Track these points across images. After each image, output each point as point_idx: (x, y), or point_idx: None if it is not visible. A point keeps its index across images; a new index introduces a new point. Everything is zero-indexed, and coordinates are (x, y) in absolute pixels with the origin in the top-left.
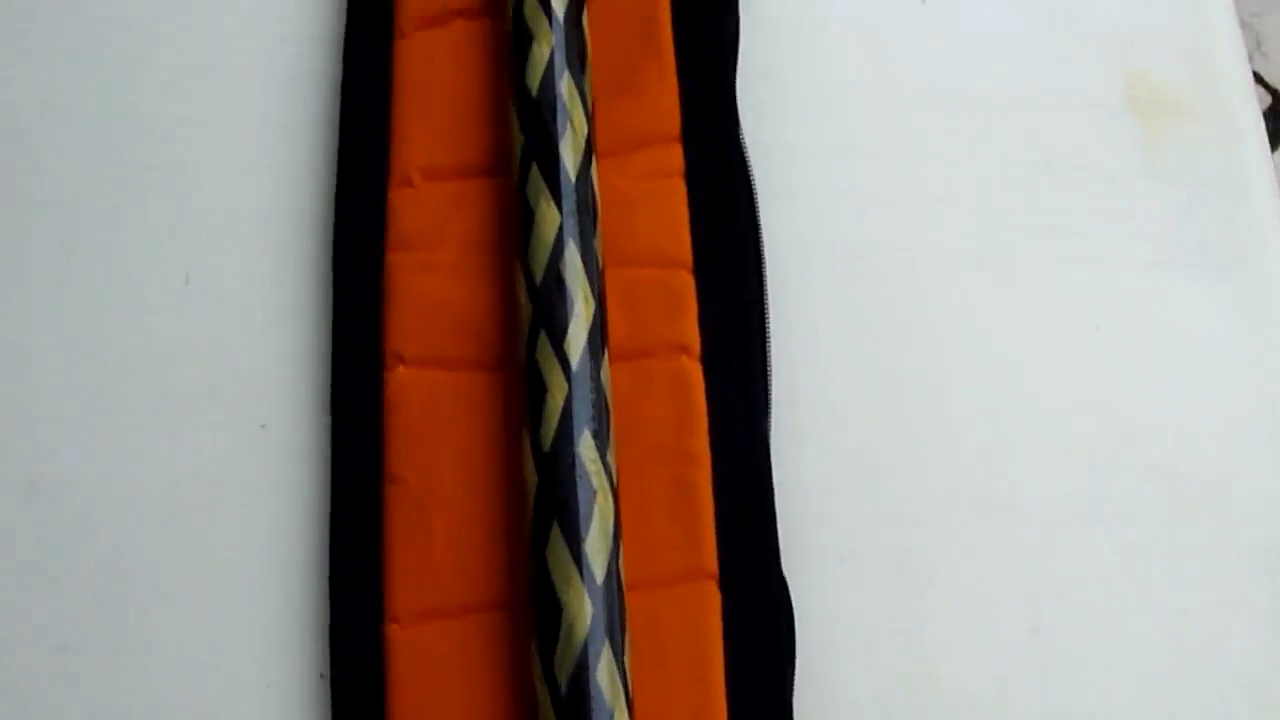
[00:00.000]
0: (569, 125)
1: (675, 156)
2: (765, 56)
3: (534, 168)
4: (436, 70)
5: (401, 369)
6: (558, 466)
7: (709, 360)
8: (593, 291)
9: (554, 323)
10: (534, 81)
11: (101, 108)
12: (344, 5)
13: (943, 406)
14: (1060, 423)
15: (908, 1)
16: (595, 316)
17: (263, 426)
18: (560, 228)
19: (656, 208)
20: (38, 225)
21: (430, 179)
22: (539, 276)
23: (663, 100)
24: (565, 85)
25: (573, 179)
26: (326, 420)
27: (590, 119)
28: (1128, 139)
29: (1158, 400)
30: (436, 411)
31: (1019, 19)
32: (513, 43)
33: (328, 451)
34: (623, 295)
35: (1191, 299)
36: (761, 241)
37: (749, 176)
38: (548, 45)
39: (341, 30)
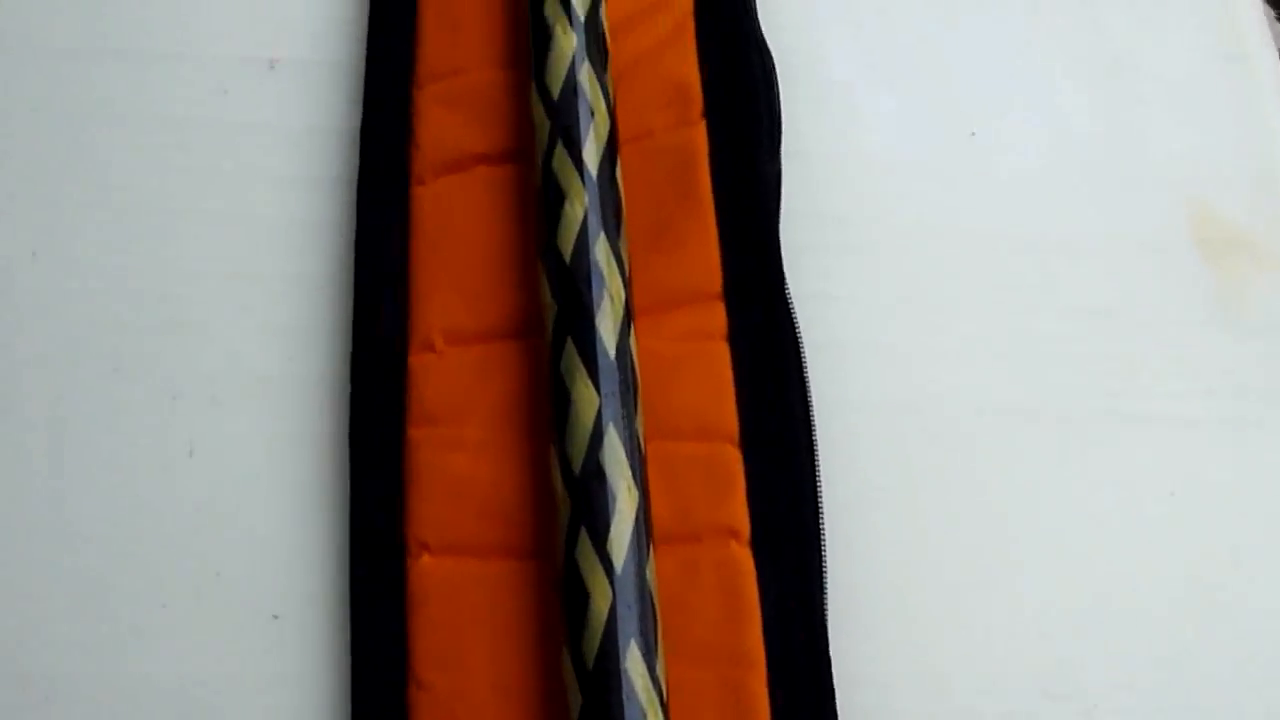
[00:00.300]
0: (605, 293)
1: (717, 316)
2: (801, 196)
3: (569, 342)
4: (458, 221)
5: (426, 557)
6: (604, 687)
7: (759, 545)
8: (636, 480)
9: (595, 519)
10: (567, 246)
11: (95, 257)
12: (355, 146)
13: (1007, 586)
14: (1136, 602)
15: (955, 135)
16: (639, 508)
17: (275, 617)
18: (599, 411)
19: (698, 374)
20: (27, 388)
21: (454, 343)
22: (577, 466)
23: (703, 254)
24: (601, 250)
25: (611, 354)
26: (344, 612)
27: (628, 284)
28: (1195, 284)
29: (1244, 577)
30: (465, 605)
31: (1073, 153)
32: (542, 200)
33: (347, 647)
34: (664, 473)
35: (1276, 461)
36: (812, 409)
37: (797, 337)
38: (581, 205)
39: (354, 173)
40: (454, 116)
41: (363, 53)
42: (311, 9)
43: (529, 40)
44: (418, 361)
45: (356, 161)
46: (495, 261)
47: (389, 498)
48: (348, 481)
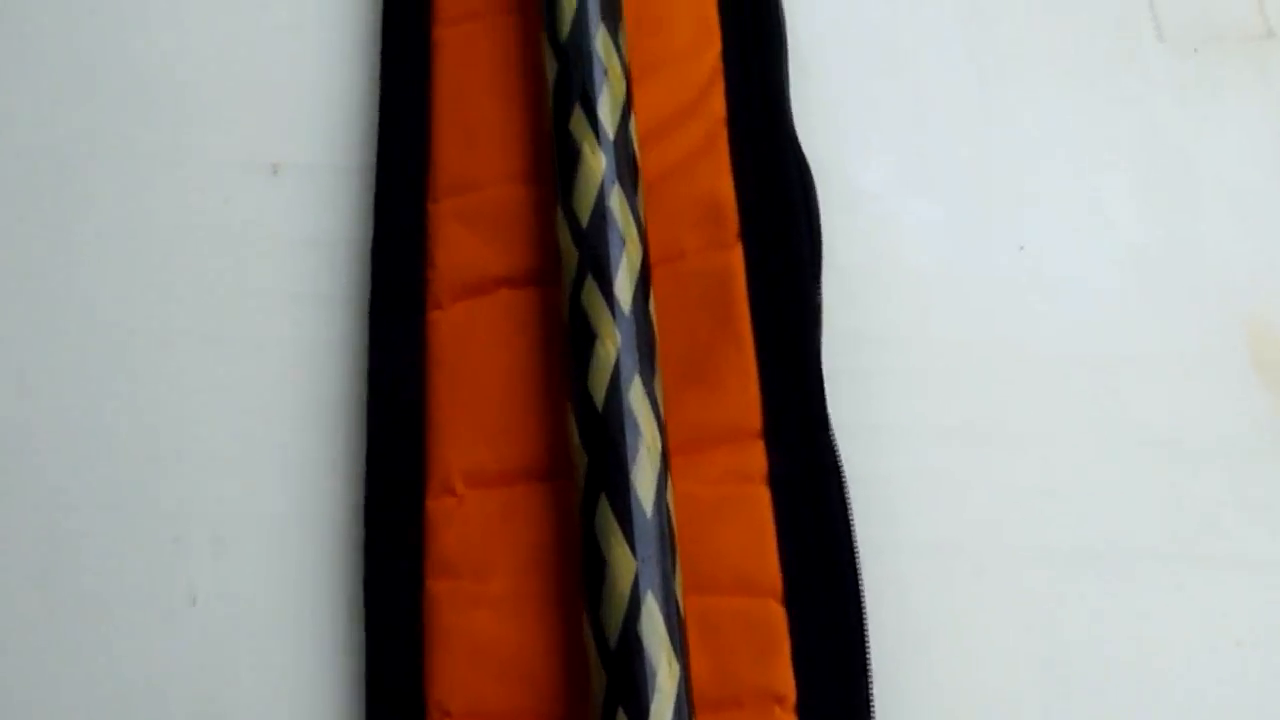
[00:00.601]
0: (641, 444)
1: (757, 456)
2: (837, 316)
3: (602, 499)
4: (479, 350)
5: None
6: None
7: (806, 711)
8: (676, 652)
9: (633, 699)
10: (599, 391)
11: (88, 387)
12: (365, 259)
13: None
14: None
15: (1003, 248)
16: (680, 683)
17: None
18: (636, 577)
19: (738, 521)
20: (18, 530)
21: (475, 486)
22: (613, 638)
23: (741, 389)
24: (635, 395)
25: (648, 513)
26: None
27: (663, 429)
28: (1256, 411)
29: None
30: None
31: (1126, 266)
32: (570, 337)
33: None
34: (703, 630)
35: None
36: (857, 556)
37: (841, 478)
38: (613, 345)
39: (365, 290)
40: (473, 235)
41: (372, 158)
42: (316, 111)
43: (553, 157)
44: (436, 506)
45: (367, 278)
46: (519, 395)
47: (407, 657)
48: (363, 638)
